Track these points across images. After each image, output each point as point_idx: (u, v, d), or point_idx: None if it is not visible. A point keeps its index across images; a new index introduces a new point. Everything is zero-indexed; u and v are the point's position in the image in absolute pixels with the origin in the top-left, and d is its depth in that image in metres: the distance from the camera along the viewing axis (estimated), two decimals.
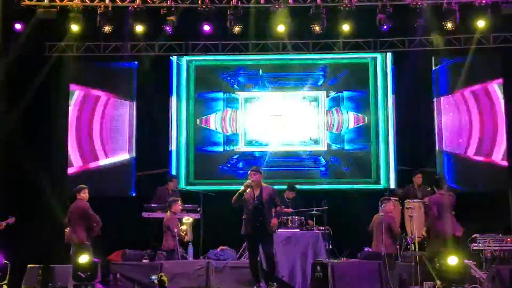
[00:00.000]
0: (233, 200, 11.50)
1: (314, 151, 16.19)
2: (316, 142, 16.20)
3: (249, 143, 16.32)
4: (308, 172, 16.17)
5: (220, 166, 16.27)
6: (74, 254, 11.65)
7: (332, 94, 16.27)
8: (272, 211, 11.57)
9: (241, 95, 16.41)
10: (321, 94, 16.31)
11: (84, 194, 12.18)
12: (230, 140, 16.32)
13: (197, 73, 16.52)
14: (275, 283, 11.53)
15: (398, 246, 12.72)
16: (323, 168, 16.13)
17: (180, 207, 13.46)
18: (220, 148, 16.32)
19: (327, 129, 16.16)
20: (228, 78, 16.47)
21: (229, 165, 16.26)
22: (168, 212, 13.24)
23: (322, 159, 16.13)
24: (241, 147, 16.32)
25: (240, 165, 16.21)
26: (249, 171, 11.66)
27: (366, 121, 16.10)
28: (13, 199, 14.35)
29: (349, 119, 16.16)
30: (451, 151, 15.63)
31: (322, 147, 16.18)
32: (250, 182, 11.42)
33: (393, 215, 12.78)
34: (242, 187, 11.47)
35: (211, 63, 16.63)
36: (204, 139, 16.35)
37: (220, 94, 16.43)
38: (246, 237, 11.75)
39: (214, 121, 16.34)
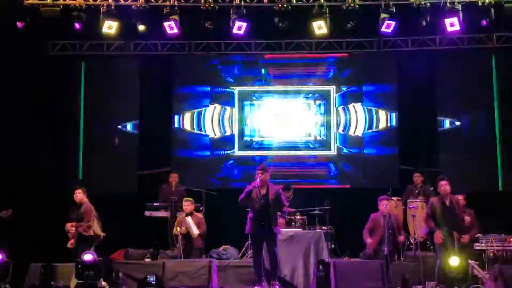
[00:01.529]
0: (239, 199, 11.49)
1: (324, 155, 16.19)
2: (322, 144, 16.19)
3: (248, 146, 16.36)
4: (316, 181, 16.19)
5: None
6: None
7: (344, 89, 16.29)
8: (277, 214, 11.59)
9: (236, 89, 16.42)
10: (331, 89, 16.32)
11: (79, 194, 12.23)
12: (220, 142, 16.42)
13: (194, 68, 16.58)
14: (277, 282, 11.54)
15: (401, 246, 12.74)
16: (332, 177, 16.18)
17: (189, 207, 13.44)
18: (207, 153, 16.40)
19: (336, 130, 16.14)
20: (231, 76, 16.48)
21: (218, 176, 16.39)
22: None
23: (332, 165, 16.11)
24: (236, 151, 16.33)
25: (235, 172, 16.31)
26: (256, 170, 11.65)
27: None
28: (15, 197, 14.37)
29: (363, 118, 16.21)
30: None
31: (332, 152, 16.17)
32: (258, 182, 11.42)
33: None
34: (249, 186, 11.49)
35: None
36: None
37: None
38: (251, 236, 11.75)
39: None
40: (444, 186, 11.36)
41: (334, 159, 16.18)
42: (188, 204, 13.35)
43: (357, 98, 16.26)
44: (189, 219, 13.18)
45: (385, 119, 16.09)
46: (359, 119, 16.18)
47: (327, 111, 16.31)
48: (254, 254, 11.72)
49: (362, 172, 16.07)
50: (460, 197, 12.51)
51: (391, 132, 16.07)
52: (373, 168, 16.00)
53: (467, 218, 12.08)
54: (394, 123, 16.02)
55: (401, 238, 12.31)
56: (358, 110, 16.21)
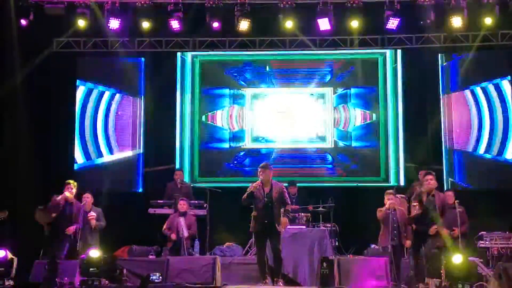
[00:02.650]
0: (242, 199, 11.51)
1: (321, 148, 16.17)
2: (322, 139, 16.19)
3: (256, 139, 16.32)
4: (315, 169, 16.15)
5: (226, 163, 16.27)
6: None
7: (340, 90, 16.24)
8: (281, 210, 11.59)
9: (247, 91, 16.40)
10: (328, 90, 16.30)
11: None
12: (236, 136, 16.31)
13: (203, 69, 16.54)
14: (281, 279, 11.56)
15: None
16: (330, 166, 16.12)
17: (184, 206, 13.46)
18: (226, 145, 16.32)
19: (334, 126, 16.14)
20: (235, 74, 16.47)
21: (235, 162, 16.26)
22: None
23: (329, 156, 16.11)
24: (247, 143, 16.31)
25: (247, 161, 16.23)
26: (258, 168, 11.67)
27: (373, 118, 16.08)
28: (17, 196, 14.42)
29: (356, 116, 16.14)
30: (460, 148, 15.60)
31: (329, 145, 16.16)
32: (259, 182, 11.44)
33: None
34: (251, 187, 11.49)
35: (217, 58, 16.63)
36: (209, 136, 16.34)
37: (226, 91, 16.44)
38: (254, 234, 11.76)
39: (220, 118, 16.34)
40: (429, 181, 11.28)
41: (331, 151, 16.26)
42: (183, 204, 13.39)
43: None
44: (181, 219, 13.23)
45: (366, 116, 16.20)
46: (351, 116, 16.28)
47: (326, 110, 16.34)
48: (257, 252, 11.73)
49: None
50: (450, 194, 12.51)
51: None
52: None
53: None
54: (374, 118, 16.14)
55: (407, 243, 12.19)
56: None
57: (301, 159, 16.26)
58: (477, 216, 13.07)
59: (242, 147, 16.35)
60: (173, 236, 13.13)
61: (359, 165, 16.07)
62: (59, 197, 12.37)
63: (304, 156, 16.25)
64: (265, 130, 16.39)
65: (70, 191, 12.43)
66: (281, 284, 11.48)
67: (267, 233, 11.43)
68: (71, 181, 12.59)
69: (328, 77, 16.36)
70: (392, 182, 15.78)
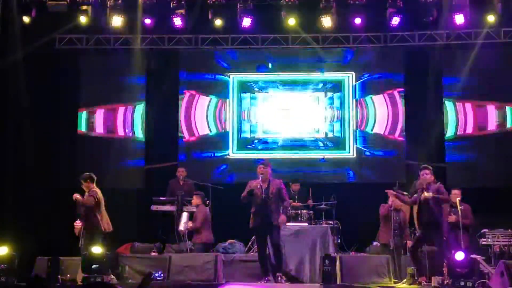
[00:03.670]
0: (242, 196, 11.61)
1: (316, 138, 16.20)
2: (317, 131, 16.19)
3: (265, 132, 16.40)
4: (311, 155, 16.21)
5: (247, 145, 16.31)
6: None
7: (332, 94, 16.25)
8: (280, 205, 11.63)
9: (259, 95, 16.43)
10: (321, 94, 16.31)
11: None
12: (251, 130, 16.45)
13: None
14: (282, 275, 11.60)
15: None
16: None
17: (196, 201, 13.49)
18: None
19: (330, 122, 16.11)
20: (249, 83, 16.48)
21: (252, 145, 16.28)
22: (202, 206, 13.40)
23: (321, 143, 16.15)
24: (259, 134, 16.36)
25: (260, 147, 16.30)
26: (258, 165, 11.73)
27: None
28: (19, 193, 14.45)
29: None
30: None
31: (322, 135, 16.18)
32: (259, 181, 11.53)
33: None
34: (251, 185, 11.63)
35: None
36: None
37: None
38: (254, 230, 11.83)
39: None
40: (425, 175, 11.35)
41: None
42: (193, 198, 13.46)
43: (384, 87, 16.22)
44: (184, 214, 13.26)
45: None
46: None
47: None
48: (258, 248, 11.80)
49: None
50: (457, 192, 12.52)
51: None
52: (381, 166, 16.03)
53: (451, 217, 12.04)
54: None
55: (409, 243, 12.22)
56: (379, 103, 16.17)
57: (300, 146, 16.19)
58: (479, 213, 13.05)
59: (255, 136, 16.35)
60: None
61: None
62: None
63: (303, 144, 16.19)
64: (271, 125, 16.35)
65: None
66: (283, 279, 11.54)
67: (267, 229, 11.53)
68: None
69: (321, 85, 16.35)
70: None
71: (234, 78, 16.42)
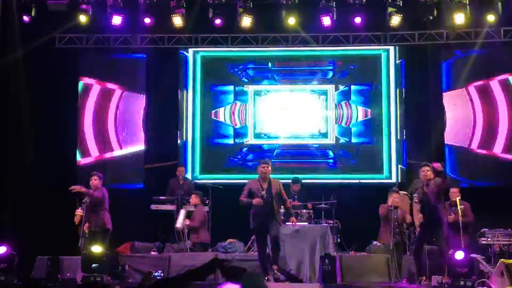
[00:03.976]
0: (242, 198, 11.74)
1: (322, 144, 16.15)
2: (324, 135, 16.17)
3: (258, 136, 16.29)
4: (317, 165, 16.14)
5: (230, 158, 16.25)
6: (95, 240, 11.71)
7: (341, 87, 16.22)
8: (280, 205, 11.66)
9: (250, 88, 16.38)
10: (330, 87, 16.26)
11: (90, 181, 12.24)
12: (239, 133, 16.30)
13: (206, 66, 16.51)
14: (278, 268, 11.61)
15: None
16: (331, 161, 16.10)
17: (195, 199, 13.50)
18: (230, 141, 16.31)
19: (336, 123, 16.11)
20: (238, 71, 16.44)
21: (238, 157, 16.23)
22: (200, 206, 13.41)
23: (331, 152, 16.09)
24: (250, 139, 16.29)
25: (250, 157, 16.21)
26: (260, 163, 11.76)
27: (373, 115, 16.05)
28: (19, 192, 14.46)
29: (358, 112, 16.12)
30: (455, 144, 15.60)
31: (330, 140, 16.13)
32: (259, 181, 11.63)
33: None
34: (250, 185, 11.74)
35: (220, 54, 16.58)
36: (213, 132, 16.32)
37: (230, 87, 16.41)
38: (255, 231, 11.81)
39: (223, 114, 16.33)
40: (425, 172, 11.39)
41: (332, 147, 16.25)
42: (192, 198, 13.50)
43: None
44: (182, 211, 13.27)
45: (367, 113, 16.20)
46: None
47: (327, 106, 16.30)
48: (258, 248, 11.79)
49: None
50: (456, 190, 12.53)
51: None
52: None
53: (450, 217, 12.05)
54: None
55: (408, 217, 12.32)
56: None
57: (303, 154, 16.22)
58: (479, 212, 13.05)
59: (245, 143, 16.32)
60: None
61: (358, 161, 16.06)
62: None
63: (306, 152, 16.21)
64: (267, 126, 16.35)
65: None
66: (280, 275, 11.55)
67: (267, 227, 11.52)
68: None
69: (330, 74, 16.32)
70: (385, 176, 15.85)
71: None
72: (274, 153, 16.14)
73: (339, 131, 16.15)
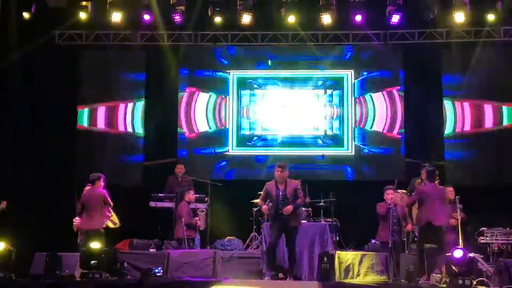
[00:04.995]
0: (260, 203, 12.02)
1: (315, 136, 16.18)
2: (317, 129, 16.17)
3: (264, 129, 16.37)
4: (310, 152, 16.22)
5: (247, 141, 16.29)
6: (90, 240, 11.66)
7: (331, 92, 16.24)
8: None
9: (259, 92, 16.40)
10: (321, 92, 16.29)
11: (102, 182, 12.23)
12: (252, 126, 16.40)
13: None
14: (291, 276, 11.77)
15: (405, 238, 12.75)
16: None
17: (194, 196, 13.50)
18: (247, 132, 16.40)
19: (330, 119, 16.10)
20: (251, 81, 16.44)
21: (252, 142, 16.30)
22: (182, 202, 13.36)
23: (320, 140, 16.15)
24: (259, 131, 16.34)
25: (259, 144, 16.30)
26: (276, 167, 11.90)
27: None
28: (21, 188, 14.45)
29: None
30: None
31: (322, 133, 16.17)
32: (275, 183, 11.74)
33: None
34: (267, 188, 11.85)
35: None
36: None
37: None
38: (273, 232, 11.85)
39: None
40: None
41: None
42: (193, 194, 13.56)
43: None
44: (200, 213, 13.37)
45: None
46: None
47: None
48: (269, 245, 11.84)
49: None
50: (452, 189, 12.53)
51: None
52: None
53: (453, 221, 12.04)
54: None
55: (409, 226, 12.31)
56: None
57: (299, 143, 16.19)
58: (478, 211, 13.06)
59: (255, 133, 16.33)
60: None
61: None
62: None
63: (302, 142, 16.19)
64: (271, 122, 16.32)
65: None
66: (291, 277, 11.70)
67: (284, 229, 11.68)
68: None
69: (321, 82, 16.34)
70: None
71: (234, 75, 16.38)
72: (277, 141, 16.18)
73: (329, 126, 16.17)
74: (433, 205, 11.47)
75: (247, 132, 16.30)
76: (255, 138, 16.30)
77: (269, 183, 11.89)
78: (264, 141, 16.27)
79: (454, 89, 15.77)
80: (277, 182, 11.76)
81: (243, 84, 16.40)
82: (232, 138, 16.27)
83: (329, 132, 16.18)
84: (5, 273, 11.40)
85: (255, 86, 16.39)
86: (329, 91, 16.26)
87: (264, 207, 11.72)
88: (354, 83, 16.11)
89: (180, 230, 13.01)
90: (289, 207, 11.57)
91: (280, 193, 11.65)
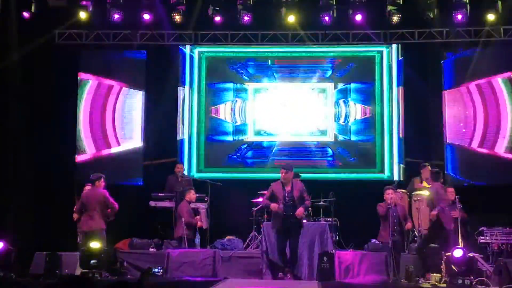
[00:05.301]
0: (263, 205, 12.27)
1: (322, 142, 16.13)
2: (323, 133, 16.15)
3: (258, 133, 16.26)
4: (315, 162, 16.12)
5: (229, 155, 16.21)
6: (90, 240, 11.66)
7: (340, 85, 16.20)
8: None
9: (250, 85, 16.36)
10: (329, 85, 16.25)
11: (103, 182, 12.24)
12: (239, 130, 16.27)
13: (207, 63, 16.48)
14: (292, 274, 11.85)
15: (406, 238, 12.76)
16: (330, 159, 16.08)
17: (195, 196, 13.50)
18: (230, 138, 16.27)
19: (334, 120, 16.10)
20: (238, 69, 16.41)
21: (238, 154, 16.21)
22: (183, 201, 13.36)
23: (329, 149, 16.08)
24: (250, 137, 16.26)
25: (249, 154, 16.18)
26: (280, 169, 11.96)
27: (372, 113, 16.05)
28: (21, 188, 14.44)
29: (356, 110, 16.12)
30: (455, 143, 15.58)
31: (329, 138, 16.12)
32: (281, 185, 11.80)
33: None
34: (273, 188, 11.93)
35: (221, 54, 16.59)
36: (213, 129, 16.31)
37: (230, 85, 16.38)
38: (277, 232, 11.93)
39: (223, 111, 16.32)
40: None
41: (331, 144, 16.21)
42: (193, 193, 13.52)
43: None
44: (204, 211, 13.34)
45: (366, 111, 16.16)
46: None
47: (326, 104, 16.29)
48: (278, 248, 11.94)
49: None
50: (451, 190, 12.55)
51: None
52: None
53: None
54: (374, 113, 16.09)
55: (408, 224, 12.32)
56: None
57: (302, 152, 16.19)
58: (478, 211, 13.06)
59: (244, 140, 16.30)
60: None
61: (357, 159, 16.03)
62: None
63: (305, 149, 16.18)
64: (266, 123, 16.33)
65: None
66: (290, 277, 11.78)
67: (289, 230, 11.77)
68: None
69: (330, 72, 16.31)
70: (386, 174, 15.82)
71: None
72: (273, 150, 16.11)
73: (338, 128, 16.14)
74: None
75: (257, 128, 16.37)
76: (262, 132, 16.33)
77: (275, 184, 11.96)
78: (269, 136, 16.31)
79: (455, 89, 15.77)
80: (283, 184, 11.79)
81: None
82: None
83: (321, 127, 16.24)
84: (5, 272, 11.41)
85: (263, 91, 16.42)
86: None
87: (274, 205, 11.74)
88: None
89: (180, 229, 13.00)
90: (301, 210, 11.69)
91: (287, 194, 11.74)
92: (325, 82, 16.28)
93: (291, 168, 12.02)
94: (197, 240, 13.43)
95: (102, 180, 12.28)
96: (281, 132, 16.24)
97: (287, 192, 11.76)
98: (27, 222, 13.84)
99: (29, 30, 14.94)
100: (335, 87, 16.21)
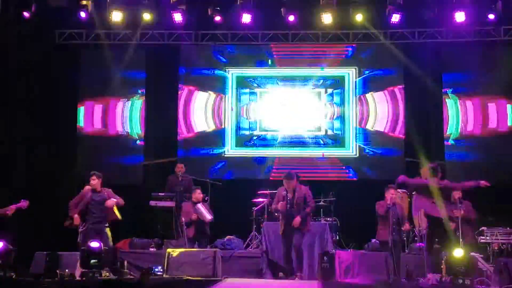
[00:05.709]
0: (274, 208, 12.13)
1: (316, 135, 16.16)
2: (318, 128, 16.16)
3: (263, 129, 16.33)
4: (311, 152, 16.18)
5: (245, 142, 16.22)
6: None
7: (329, 91, 16.22)
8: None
9: (258, 90, 16.36)
10: (322, 91, 16.24)
11: (93, 181, 12.18)
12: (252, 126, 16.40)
13: (237, 80, 16.50)
14: (300, 275, 11.91)
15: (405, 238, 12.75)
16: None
17: (201, 195, 13.46)
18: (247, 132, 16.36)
19: (330, 119, 16.09)
20: (251, 81, 16.42)
21: (251, 142, 16.25)
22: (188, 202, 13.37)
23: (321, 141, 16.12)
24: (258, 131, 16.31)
25: (258, 143, 16.27)
26: (283, 180, 11.96)
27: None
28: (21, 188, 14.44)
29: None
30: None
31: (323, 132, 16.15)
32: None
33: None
34: (278, 193, 12.02)
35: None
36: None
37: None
38: (282, 235, 11.99)
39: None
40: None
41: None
42: (199, 193, 13.42)
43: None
44: (200, 205, 13.22)
45: None
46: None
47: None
48: (284, 252, 11.97)
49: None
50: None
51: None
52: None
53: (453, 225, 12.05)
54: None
55: (406, 225, 12.32)
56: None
57: (300, 143, 16.15)
58: (478, 211, 13.05)
59: (254, 133, 16.29)
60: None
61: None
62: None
63: (302, 141, 16.15)
64: (271, 122, 16.30)
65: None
66: (300, 277, 11.84)
67: (291, 233, 11.78)
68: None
69: (321, 81, 16.30)
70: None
71: (232, 74, 16.37)
72: (277, 141, 16.16)
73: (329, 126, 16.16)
74: None
75: (246, 132, 16.27)
76: (254, 138, 16.26)
77: (281, 189, 12.00)
78: (264, 141, 16.22)
79: (456, 89, 15.76)
80: (287, 191, 11.84)
81: (242, 82, 16.36)
82: (230, 138, 16.24)
83: (330, 132, 16.14)
84: (5, 272, 11.38)
85: (255, 85, 16.35)
86: (329, 90, 16.22)
87: (282, 203, 11.77)
88: (355, 81, 16.08)
89: (191, 230, 13.07)
90: (297, 219, 11.68)
91: (288, 202, 11.75)
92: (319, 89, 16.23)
93: (292, 176, 11.96)
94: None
95: (92, 178, 12.21)
96: (283, 129, 16.21)
97: (289, 199, 11.76)
98: (27, 222, 13.80)
99: (29, 31, 14.93)
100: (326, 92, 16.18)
